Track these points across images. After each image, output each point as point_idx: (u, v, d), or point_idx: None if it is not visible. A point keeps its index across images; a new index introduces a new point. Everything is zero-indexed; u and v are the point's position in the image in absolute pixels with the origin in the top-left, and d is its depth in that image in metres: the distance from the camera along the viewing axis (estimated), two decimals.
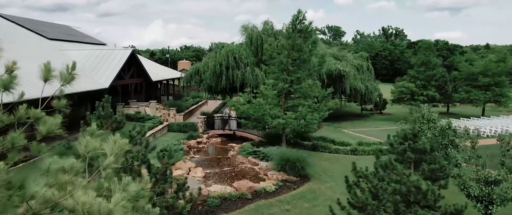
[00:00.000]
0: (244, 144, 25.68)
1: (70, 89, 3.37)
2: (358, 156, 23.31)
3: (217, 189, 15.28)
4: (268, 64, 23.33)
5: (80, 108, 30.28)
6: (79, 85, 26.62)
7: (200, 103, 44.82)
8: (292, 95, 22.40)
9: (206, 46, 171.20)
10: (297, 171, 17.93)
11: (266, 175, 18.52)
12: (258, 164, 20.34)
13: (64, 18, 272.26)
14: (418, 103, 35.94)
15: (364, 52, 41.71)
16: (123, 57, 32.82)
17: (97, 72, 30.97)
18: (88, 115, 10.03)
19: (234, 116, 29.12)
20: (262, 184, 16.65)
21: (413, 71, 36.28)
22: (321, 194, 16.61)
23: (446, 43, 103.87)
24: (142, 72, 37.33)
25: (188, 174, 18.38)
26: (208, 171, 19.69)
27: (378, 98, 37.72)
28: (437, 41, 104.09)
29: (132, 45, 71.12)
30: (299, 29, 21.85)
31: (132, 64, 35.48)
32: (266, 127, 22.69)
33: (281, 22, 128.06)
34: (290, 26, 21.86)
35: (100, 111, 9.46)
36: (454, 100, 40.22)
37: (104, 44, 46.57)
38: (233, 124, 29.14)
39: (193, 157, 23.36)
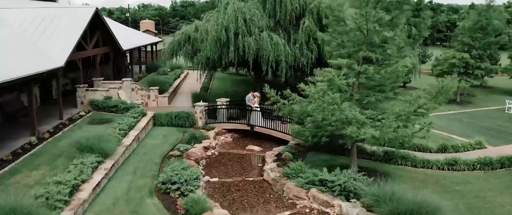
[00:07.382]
0: (275, 150, 17.29)
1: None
2: (460, 173, 15.31)
3: None
4: (330, 31, 14.52)
5: (23, 97, 20.68)
6: (20, 65, 16.89)
7: (182, 76, 35.32)
8: (372, 83, 13.78)
9: (166, 5, 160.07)
10: None
11: None
12: (333, 205, 11.98)
13: None
14: (472, 78, 28.30)
15: None
16: (83, 19, 22.91)
17: (48, 42, 21.06)
18: None
19: (256, 107, 20.49)
20: None
21: (467, 37, 27.78)
22: None
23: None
24: (110, 39, 27.43)
25: None
26: None
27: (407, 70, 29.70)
28: (431, 1, 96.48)
29: (86, 4, 60.01)
30: None
31: (96, 28, 25.60)
32: (326, 134, 13.93)
33: None
34: None
35: None
36: (493, 71, 32.97)
37: (54, 1, 35.62)
38: (256, 117, 20.48)
39: (209, 181, 14.70)
